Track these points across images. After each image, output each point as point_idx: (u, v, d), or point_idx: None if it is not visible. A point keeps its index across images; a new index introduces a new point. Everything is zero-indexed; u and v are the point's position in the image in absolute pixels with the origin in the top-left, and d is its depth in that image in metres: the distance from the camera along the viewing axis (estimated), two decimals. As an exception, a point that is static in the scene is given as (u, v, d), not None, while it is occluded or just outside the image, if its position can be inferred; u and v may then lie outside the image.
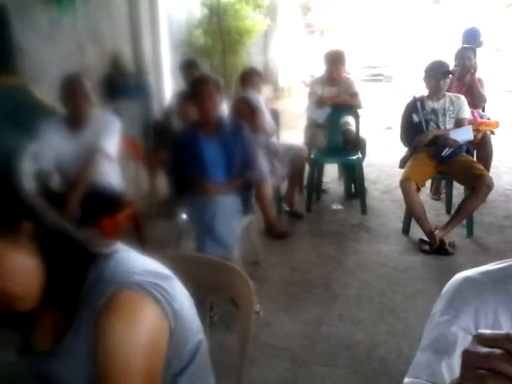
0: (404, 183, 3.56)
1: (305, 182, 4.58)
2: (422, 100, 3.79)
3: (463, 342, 0.89)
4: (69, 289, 1.01)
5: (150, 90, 5.81)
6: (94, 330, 0.94)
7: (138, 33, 5.70)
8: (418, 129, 3.77)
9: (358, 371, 2.35)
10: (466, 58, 4.32)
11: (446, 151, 3.61)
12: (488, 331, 0.56)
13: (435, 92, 3.75)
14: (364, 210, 4.29)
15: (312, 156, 4.48)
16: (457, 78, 4.23)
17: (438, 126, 3.75)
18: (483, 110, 4.58)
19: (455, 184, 3.97)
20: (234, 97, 4.51)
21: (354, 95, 4.44)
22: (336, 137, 4.48)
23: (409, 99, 3.93)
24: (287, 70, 10.77)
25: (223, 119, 3.11)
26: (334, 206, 4.47)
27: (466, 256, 3.44)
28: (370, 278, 3.22)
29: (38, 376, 1.05)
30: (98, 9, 5.02)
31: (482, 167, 3.57)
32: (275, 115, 4.62)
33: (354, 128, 4.56)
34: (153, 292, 0.97)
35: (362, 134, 4.60)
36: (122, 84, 5.25)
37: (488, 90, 4.56)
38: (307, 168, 4.47)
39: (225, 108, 3.78)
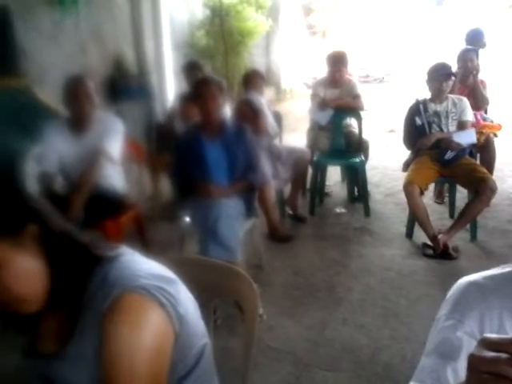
0: (407, 187, 3.55)
1: (308, 185, 4.58)
2: (424, 103, 3.78)
3: (468, 346, 0.89)
4: (73, 291, 1.01)
5: (153, 91, 5.82)
6: (99, 333, 0.95)
7: (141, 34, 5.72)
8: (420, 132, 3.76)
9: (361, 375, 2.34)
10: (468, 60, 4.30)
11: (449, 154, 3.60)
12: (494, 335, 0.56)
13: (438, 94, 3.74)
14: (367, 213, 4.29)
15: (315, 158, 4.47)
16: (459, 79, 4.23)
17: (441, 129, 3.74)
18: (486, 113, 4.57)
19: (458, 187, 3.96)
20: (237, 99, 4.51)
21: (357, 97, 4.44)
22: (339, 139, 4.48)
23: (411, 102, 3.93)
24: (289, 72, 10.77)
25: (226, 121, 3.10)
26: (337, 210, 4.46)
27: (470, 260, 3.43)
28: (373, 282, 3.22)
29: (43, 378, 1.05)
30: (101, 10, 5.03)
31: (485, 170, 3.56)
32: (278, 117, 4.62)
33: (356, 130, 4.55)
34: (158, 296, 0.97)
35: (364, 136, 4.60)
36: (125, 85, 5.26)
37: (490, 92, 4.55)
38: (310, 171, 4.47)
39: (227, 110, 3.79)
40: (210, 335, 1.24)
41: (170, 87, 6.01)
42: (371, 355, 2.48)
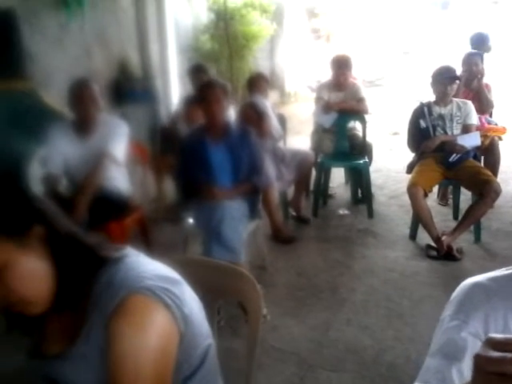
0: (411, 189, 3.55)
1: (311, 186, 4.58)
2: (429, 106, 3.78)
3: (473, 347, 0.89)
4: (79, 293, 1.02)
5: (157, 94, 5.83)
6: (105, 334, 0.95)
7: (145, 38, 5.73)
8: (425, 134, 3.76)
9: (365, 376, 2.34)
10: (473, 64, 4.30)
11: (454, 157, 3.60)
12: (499, 335, 0.56)
13: (442, 97, 3.74)
14: (371, 214, 4.28)
15: (319, 160, 4.47)
16: (464, 83, 4.22)
17: (446, 132, 3.74)
18: (491, 116, 4.56)
19: (462, 190, 3.96)
20: (241, 102, 4.52)
21: (361, 100, 4.44)
22: (343, 142, 4.48)
23: (416, 105, 3.93)
24: (294, 75, 10.77)
25: (230, 124, 3.11)
26: (341, 211, 4.46)
27: (474, 262, 3.43)
28: (377, 283, 3.22)
29: (48, 379, 1.06)
30: (106, 14, 5.05)
31: (489, 173, 3.56)
32: (282, 120, 4.63)
33: (360, 133, 4.55)
34: (163, 297, 0.97)
35: (368, 139, 4.60)
36: (129, 89, 5.28)
37: (495, 95, 4.55)
38: (314, 173, 4.47)
39: (232, 113, 3.79)
40: (214, 336, 1.24)
41: (175, 90, 6.02)
42: (375, 356, 2.48)
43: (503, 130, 4.35)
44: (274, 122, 4.17)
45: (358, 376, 2.35)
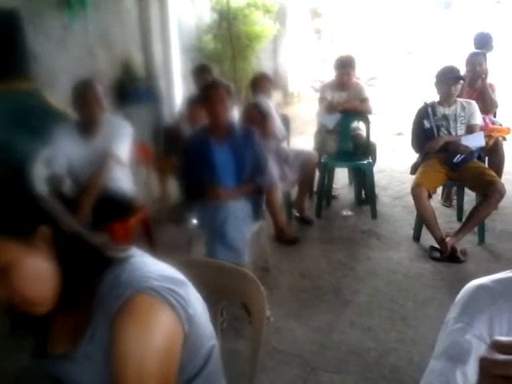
0: (415, 190, 3.54)
1: (315, 187, 4.57)
2: (433, 106, 3.78)
3: (477, 349, 0.89)
4: (84, 293, 1.02)
5: (161, 94, 5.84)
6: (110, 334, 0.95)
7: (149, 38, 5.74)
8: (429, 135, 3.76)
9: (368, 378, 2.34)
10: (476, 64, 4.29)
11: (458, 157, 3.59)
12: (505, 338, 0.55)
13: (446, 98, 3.73)
14: (374, 215, 4.28)
15: (322, 161, 4.47)
16: (468, 83, 4.22)
17: (450, 132, 3.73)
18: (495, 116, 4.55)
19: (466, 191, 3.94)
20: (245, 102, 4.52)
21: (364, 100, 4.44)
22: (346, 142, 4.48)
23: (420, 105, 3.92)
24: (297, 76, 10.77)
25: (234, 124, 3.11)
26: (344, 212, 4.45)
27: (478, 264, 3.42)
28: (380, 284, 3.21)
29: (54, 379, 1.06)
30: (109, 14, 5.06)
31: (493, 174, 3.55)
32: (285, 121, 4.63)
33: (364, 133, 4.55)
34: (168, 297, 0.97)
35: (372, 139, 4.59)
36: (133, 89, 5.28)
37: (499, 95, 4.54)
38: (317, 173, 4.47)
39: (235, 113, 3.80)
40: (217, 337, 1.24)
41: (178, 91, 6.02)
42: (378, 358, 2.47)
43: (507, 131, 4.34)
44: (277, 123, 4.17)
45: (361, 378, 2.34)
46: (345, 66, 4.38)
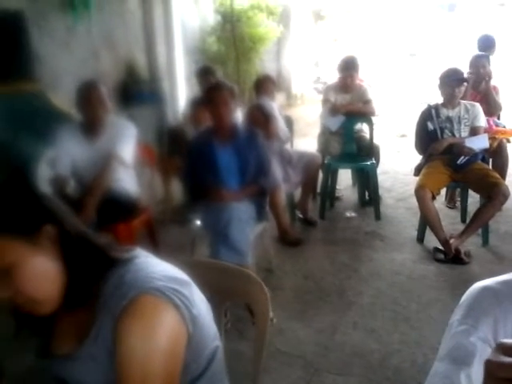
0: (419, 191, 3.53)
1: (318, 189, 4.57)
2: (436, 108, 3.77)
3: (482, 352, 0.89)
4: (88, 293, 1.02)
5: (164, 96, 5.85)
6: (114, 334, 0.95)
7: (152, 40, 5.75)
8: (432, 137, 3.75)
9: (371, 380, 2.33)
10: (480, 66, 4.29)
11: (462, 159, 3.59)
12: (511, 341, 0.55)
13: (450, 100, 3.72)
14: (378, 217, 4.27)
15: (325, 162, 4.47)
16: (471, 85, 4.21)
17: (453, 134, 3.73)
18: (498, 118, 4.54)
19: (470, 192, 3.94)
20: (248, 104, 4.53)
21: (368, 102, 4.44)
22: (350, 144, 4.48)
23: (423, 107, 3.91)
24: (300, 78, 10.78)
25: (237, 126, 3.11)
26: (348, 214, 4.45)
27: (482, 265, 3.41)
28: (384, 286, 3.20)
29: (58, 379, 1.06)
30: (113, 16, 5.08)
31: (497, 175, 3.54)
32: (289, 122, 4.63)
33: (367, 135, 4.55)
34: (172, 297, 0.97)
35: (375, 141, 4.59)
36: (137, 91, 5.30)
37: (503, 98, 4.53)
38: (321, 175, 4.47)
39: (239, 115, 3.80)
40: (221, 338, 1.24)
41: (182, 92, 6.04)
42: (381, 359, 2.47)
43: (511, 133, 4.33)
44: (280, 124, 4.17)
45: (365, 380, 2.34)
46: (348, 67, 4.38)
